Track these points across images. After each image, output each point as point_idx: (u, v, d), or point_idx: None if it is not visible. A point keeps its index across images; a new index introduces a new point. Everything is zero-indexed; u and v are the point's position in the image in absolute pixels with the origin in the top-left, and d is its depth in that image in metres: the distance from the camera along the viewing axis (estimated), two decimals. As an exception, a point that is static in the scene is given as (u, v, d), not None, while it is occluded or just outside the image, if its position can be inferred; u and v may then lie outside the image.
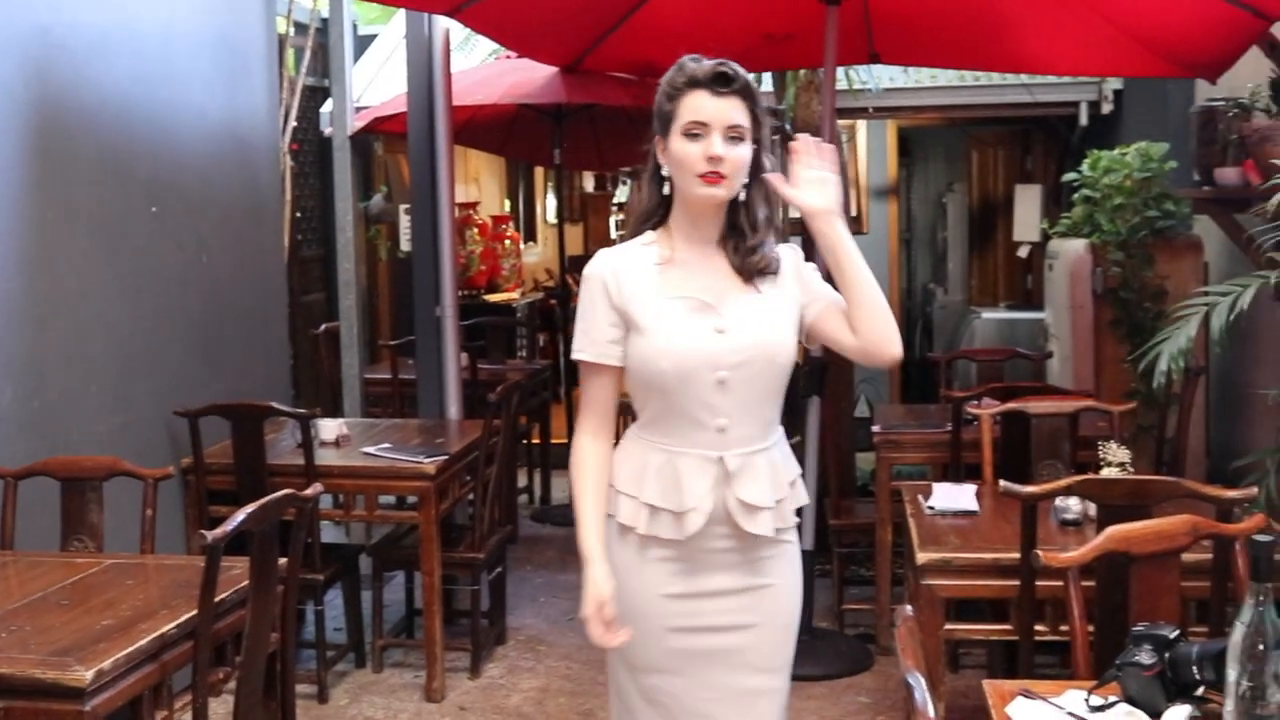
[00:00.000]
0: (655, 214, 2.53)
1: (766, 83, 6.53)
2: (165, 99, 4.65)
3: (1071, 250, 5.86)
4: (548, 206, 12.34)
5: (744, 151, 2.42)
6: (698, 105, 2.41)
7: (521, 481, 7.74)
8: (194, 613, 2.88)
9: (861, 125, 8.51)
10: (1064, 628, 3.16)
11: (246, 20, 5.22)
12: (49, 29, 3.97)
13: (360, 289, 6.90)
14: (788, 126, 6.25)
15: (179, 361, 4.70)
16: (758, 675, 2.56)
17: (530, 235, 11.78)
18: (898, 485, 4.74)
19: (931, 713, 1.70)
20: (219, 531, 2.84)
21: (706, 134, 2.40)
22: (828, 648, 5.12)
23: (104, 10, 4.28)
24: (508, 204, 11.57)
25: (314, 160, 8.09)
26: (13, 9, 3.82)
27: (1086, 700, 2.22)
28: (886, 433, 5.05)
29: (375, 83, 7.89)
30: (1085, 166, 5.84)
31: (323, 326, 7.36)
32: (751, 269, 2.49)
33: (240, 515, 2.92)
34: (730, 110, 2.41)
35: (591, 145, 7.87)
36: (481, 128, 7.60)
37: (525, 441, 7.58)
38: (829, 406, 5.61)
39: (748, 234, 2.48)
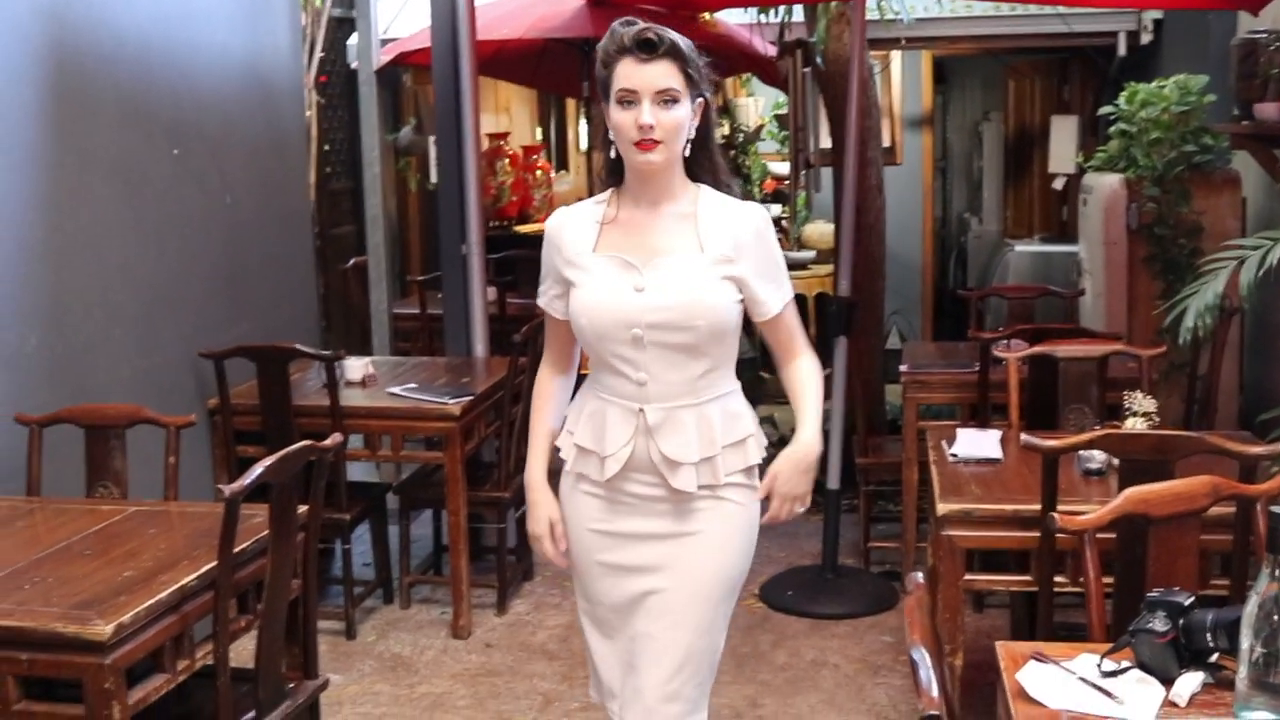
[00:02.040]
0: (611, 179, 2.61)
1: (798, 14, 6.42)
2: (185, 39, 4.61)
3: (1106, 185, 5.76)
4: (580, 134, 12.24)
5: (679, 113, 2.46)
6: (626, 73, 2.45)
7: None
8: (214, 564, 2.90)
9: (896, 55, 8.37)
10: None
11: (267, -45, 5.16)
12: (65, -29, 3.94)
13: (389, 223, 6.89)
14: (818, 59, 6.16)
15: (204, 303, 4.71)
16: (676, 630, 2.61)
17: (562, 164, 11.69)
18: (925, 425, 4.74)
19: (935, 692, 1.69)
20: (237, 485, 2.85)
21: (637, 101, 2.44)
22: (852, 585, 5.14)
23: (121, -50, 4.24)
24: (539, 133, 11.48)
25: (342, 92, 8.04)
26: (27, -49, 3.79)
27: (1099, 665, 2.20)
28: (914, 372, 5.01)
29: (402, 14, 7.80)
30: (1122, 100, 5.73)
31: (351, 261, 7.36)
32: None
33: (259, 468, 2.92)
34: (658, 75, 2.44)
35: (622, 76, 7.78)
36: (510, 59, 7.53)
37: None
38: (857, 343, 5.58)
39: (711, 178, 2.58)
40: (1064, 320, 5.76)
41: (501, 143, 9.34)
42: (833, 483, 5.18)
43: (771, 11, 6.47)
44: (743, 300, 2.58)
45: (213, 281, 4.78)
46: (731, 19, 7.11)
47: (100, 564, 2.97)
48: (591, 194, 7.56)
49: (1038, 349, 4.18)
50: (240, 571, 3.05)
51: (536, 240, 8.48)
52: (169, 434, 3.65)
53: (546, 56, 7.58)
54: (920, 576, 2.12)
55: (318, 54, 6.62)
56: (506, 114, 10.52)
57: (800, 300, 8.32)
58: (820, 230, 8.33)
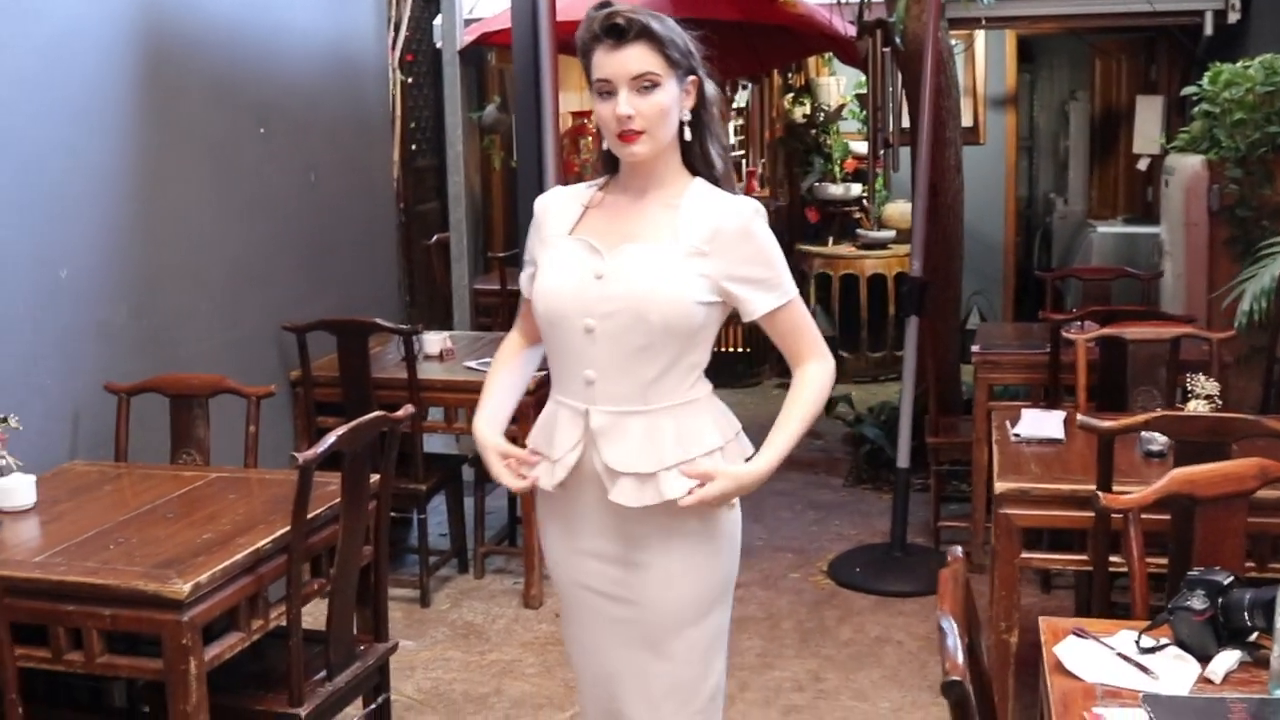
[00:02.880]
0: (607, 167, 2.44)
1: (878, -8, 6.42)
2: (272, 22, 4.75)
3: (1188, 166, 5.70)
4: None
5: (660, 98, 2.27)
6: (600, 62, 2.29)
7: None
8: (288, 528, 3.02)
9: (980, 34, 8.31)
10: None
11: (352, -62, 5.28)
12: (156, -43, 4.09)
13: (472, 200, 7.01)
14: (897, 39, 6.15)
15: (288, 278, 4.86)
16: (650, 654, 2.43)
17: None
18: (995, 405, 4.75)
19: (960, 659, 1.75)
20: (310, 453, 2.97)
21: (614, 90, 2.27)
22: (920, 564, 5.17)
23: (210, -64, 4.38)
24: (624, 111, 11.55)
25: (428, 71, 8.18)
26: (120, -62, 3.93)
27: (1137, 642, 2.24)
28: (985, 353, 5.02)
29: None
30: (1205, 80, 5.66)
31: (434, 237, 7.49)
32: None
33: (332, 437, 3.04)
34: (632, 60, 2.26)
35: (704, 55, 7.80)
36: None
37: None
38: (932, 323, 5.59)
39: (705, 172, 2.38)
40: (1141, 302, 5.73)
41: (585, 121, 9.42)
42: (902, 461, 5.21)
43: (852, -9, 6.47)
44: (720, 301, 2.34)
45: (297, 257, 4.93)
46: (811, -1, 7.10)
47: (181, 527, 3.11)
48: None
49: (1106, 331, 4.18)
50: (314, 537, 3.18)
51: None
52: (249, 404, 3.79)
53: (628, 36, 7.63)
54: (959, 550, 2.18)
55: (403, 33, 6.73)
56: (592, 92, 10.59)
57: (880, 280, 8.36)
58: (900, 210, 8.33)
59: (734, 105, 13.10)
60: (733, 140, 13.02)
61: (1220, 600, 2.21)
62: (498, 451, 2.49)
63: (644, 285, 2.30)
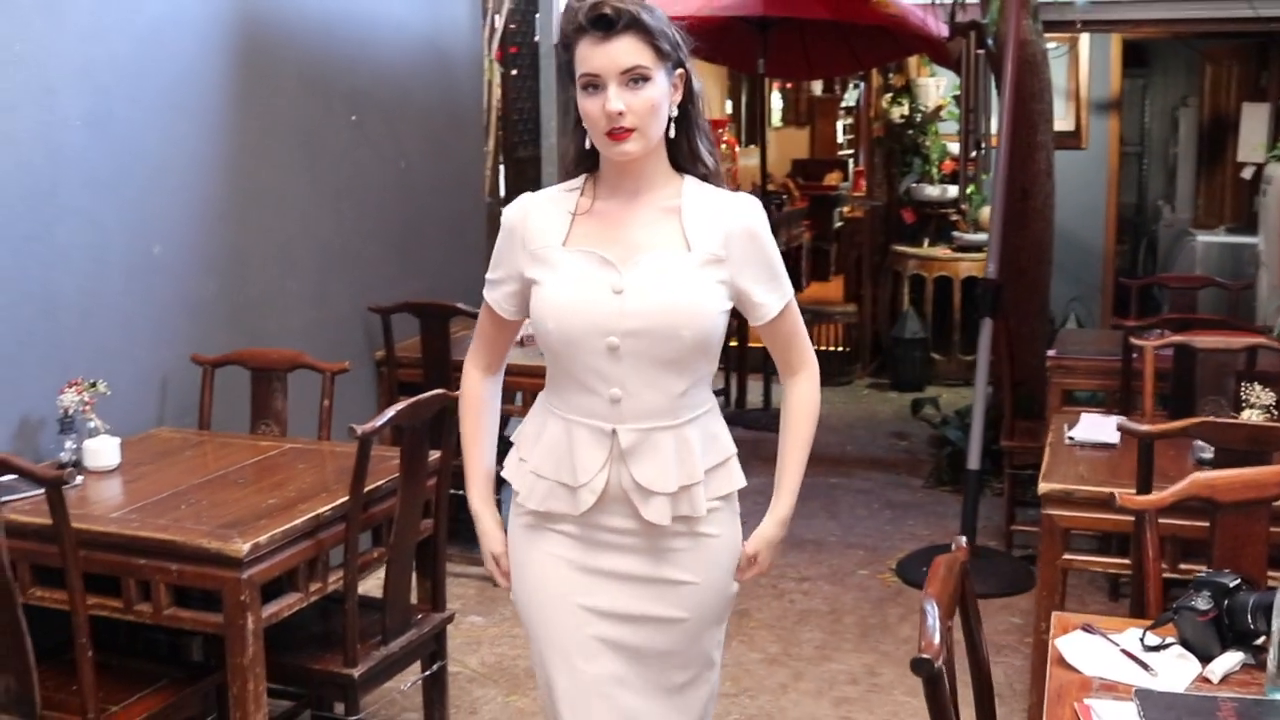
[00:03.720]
0: (580, 167, 2.31)
1: (973, -6, 6.42)
2: (365, 14, 4.92)
3: (1284, 175, 5.65)
4: (772, 110, 12.33)
5: (651, 93, 2.15)
6: (586, 54, 2.16)
7: (719, 384, 7.95)
8: (348, 497, 3.18)
9: (1084, 38, 8.25)
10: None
11: (450, -66, 5.44)
12: (254, -49, 4.28)
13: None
14: (990, 41, 6.15)
15: (376, 261, 5.03)
16: (678, 671, 2.37)
17: (751, 139, 11.81)
18: (1067, 411, 4.75)
19: (937, 639, 1.82)
20: (369, 425, 3.11)
21: (602, 85, 2.14)
22: (989, 566, 5.18)
23: (308, -69, 4.57)
24: (729, 107, 11.62)
25: (531, 63, 8.33)
26: (219, -68, 4.13)
27: (1142, 639, 2.28)
28: (1059, 358, 5.03)
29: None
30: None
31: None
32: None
33: (390, 412, 3.19)
34: (621, 53, 2.14)
35: (799, 53, 7.85)
36: (693, 35, 7.67)
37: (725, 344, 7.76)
38: (1011, 326, 5.59)
39: (695, 170, 2.29)
40: (1232, 312, 5.67)
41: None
42: (973, 463, 5.23)
43: (946, -8, 6.48)
44: (733, 307, 2.29)
45: (385, 241, 5.10)
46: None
47: (250, 491, 3.28)
48: (764, 168, 7.68)
49: (1174, 339, 4.18)
50: (374, 507, 3.33)
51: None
52: (325, 379, 3.96)
53: (729, 34, 7.71)
54: (964, 540, 2.24)
55: (499, 26, 6.87)
56: (696, 88, 10.68)
57: (974, 283, 8.33)
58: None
59: (843, 104, 13.16)
60: (841, 139, 13.10)
61: (1225, 602, 2.24)
62: (495, 556, 2.45)
63: (671, 299, 2.20)
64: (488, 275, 2.40)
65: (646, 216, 2.26)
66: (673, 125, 2.23)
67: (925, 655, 1.77)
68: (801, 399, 2.41)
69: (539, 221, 2.29)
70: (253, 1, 4.30)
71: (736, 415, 7.74)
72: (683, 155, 2.27)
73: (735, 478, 2.37)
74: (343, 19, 4.78)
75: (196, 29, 4.06)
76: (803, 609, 4.88)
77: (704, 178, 2.29)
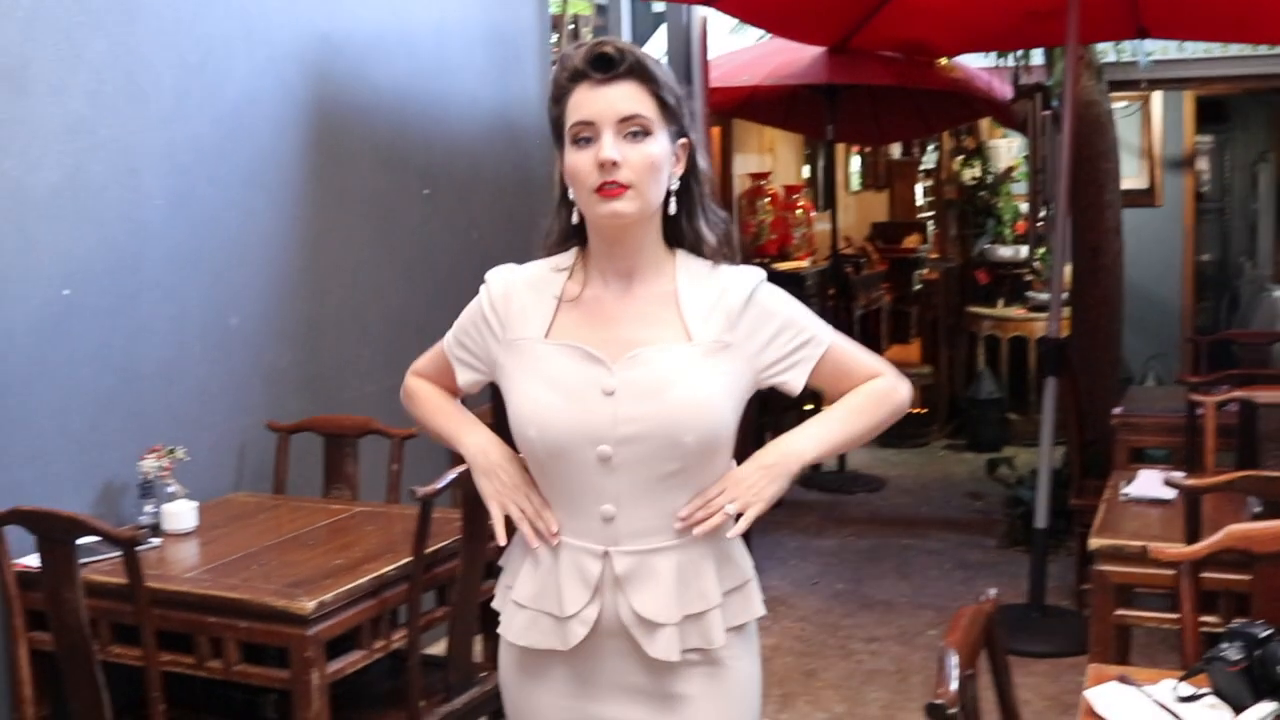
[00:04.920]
0: (565, 244, 2.03)
1: (1037, 57, 6.49)
2: (438, 91, 5.11)
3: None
4: (850, 174, 12.40)
5: (652, 149, 1.89)
6: (580, 101, 1.90)
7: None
8: (411, 558, 3.29)
9: (1156, 96, 8.26)
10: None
11: (519, 12, 5.62)
12: (327, 35, 4.48)
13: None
14: (1055, 103, 6.21)
15: (446, 330, 5.16)
16: None
17: (829, 203, 11.91)
18: (1131, 469, 4.75)
19: (954, 686, 1.87)
20: (429, 488, 3.23)
21: (596, 135, 1.89)
22: (1058, 625, 5.16)
23: (379, 14, 4.76)
24: (806, 172, 11.72)
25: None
26: (293, 18, 4.33)
27: (1175, 690, 2.31)
28: (1125, 415, 5.03)
29: (664, 60, 8.22)
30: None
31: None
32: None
33: (451, 474, 3.31)
34: (620, 98, 1.89)
35: (870, 119, 7.98)
36: (763, 103, 7.84)
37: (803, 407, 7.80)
38: (1082, 384, 5.60)
39: (697, 250, 2.00)
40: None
41: (763, 182, 9.64)
42: (1040, 522, 5.22)
43: (1010, 55, 6.56)
44: (745, 391, 2.00)
45: (455, 310, 5.13)
46: (969, 63, 7.21)
47: (319, 552, 3.41)
48: (834, 232, 7.73)
49: (1233, 394, 4.18)
50: (437, 567, 3.44)
51: (794, 277, 8.69)
52: (394, 444, 4.09)
53: (798, 101, 7.85)
54: (993, 592, 2.29)
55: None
56: (771, 154, 10.81)
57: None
58: (1070, 272, 8.28)
59: (921, 167, 13.22)
60: (920, 201, 13.14)
61: (1257, 652, 2.26)
62: (526, 490, 2.03)
63: (670, 399, 1.91)
64: (453, 335, 2.19)
65: (640, 305, 1.98)
66: (673, 200, 1.96)
67: (940, 701, 1.83)
68: (870, 383, 2.07)
69: (519, 305, 2.02)
70: (328, 82, 4.50)
71: (809, 476, 7.77)
72: (681, 234, 2.00)
73: (753, 605, 2.06)
74: (416, 96, 4.97)
75: (274, 110, 4.26)
76: (870, 669, 4.90)
77: (701, 254, 2.01)
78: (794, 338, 2.01)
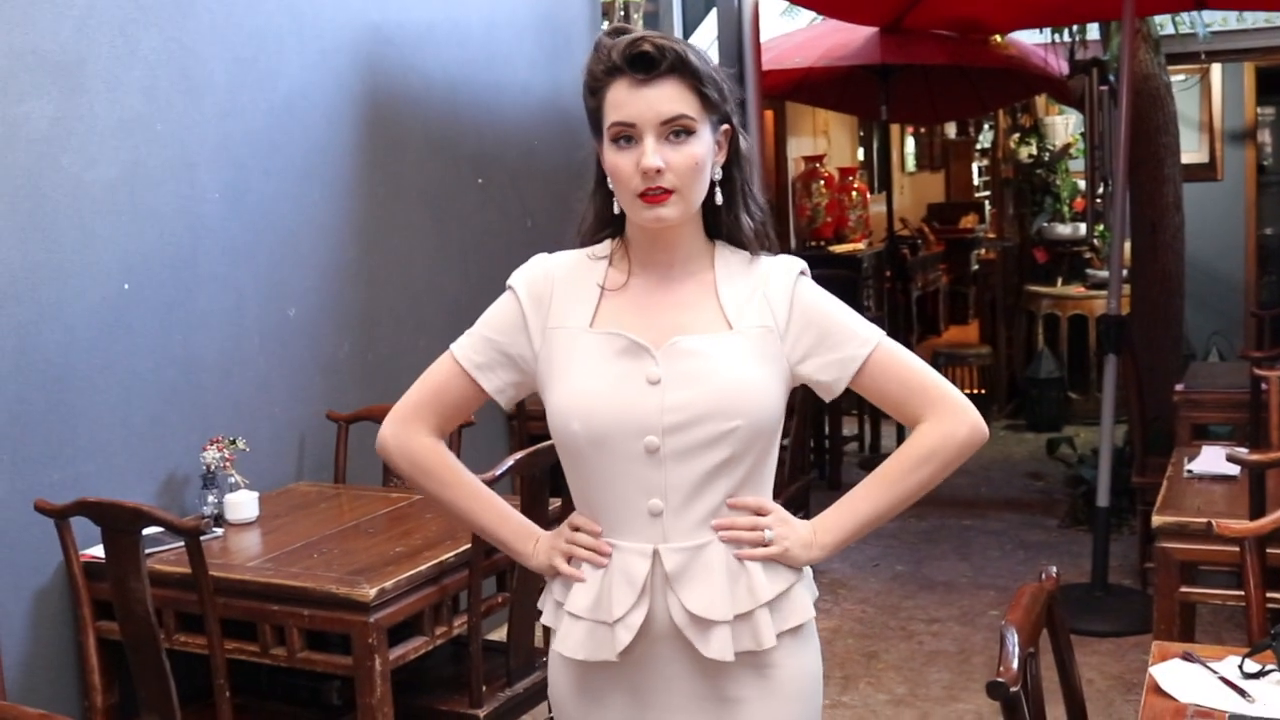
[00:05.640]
0: (604, 231, 1.98)
1: (1093, 32, 6.41)
2: (489, 80, 5.12)
3: None
4: (905, 155, 12.32)
5: (696, 148, 1.83)
6: (620, 100, 1.83)
7: (851, 429, 7.97)
8: (470, 545, 3.31)
9: (1216, 68, 8.13)
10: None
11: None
12: (378, 26, 4.50)
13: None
14: (1112, 78, 6.13)
15: (455, 345, 5.19)
16: None
17: (884, 185, 11.84)
18: (1195, 445, 4.70)
19: (1015, 664, 1.86)
20: (488, 475, 3.22)
21: (638, 137, 1.82)
22: (1121, 604, 5.12)
23: (429, 4, 4.78)
24: (861, 154, 11.65)
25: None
26: (344, 10, 4.35)
27: (1240, 667, 2.28)
28: (1187, 391, 4.97)
29: (710, 50, 8.20)
30: None
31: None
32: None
33: (509, 460, 3.32)
34: (663, 100, 1.82)
35: (925, 98, 7.91)
36: (817, 84, 7.80)
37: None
38: (1143, 361, 5.54)
39: (738, 240, 1.95)
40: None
41: (817, 165, 9.60)
42: (1101, 500, 5.17)
43: (1065, 30, 6.48)
44: (788, 381, 1.93)
45: (512, 298, 5.26)
46: (1024, 39, 7.14)
47: (379, 540, 3.44)
48: (890, 213, 7.70)
49: (1296, 369, 4.12)
50: (496, 554, 3.44)
51: (850, 260, 8.65)
52: (453, 432, 4.11)
53: (851, 82, 7.81)
54: (1054, 569, 2.27)
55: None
56: (825, 137, 10.76)
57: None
58: (1129, 248, 8.19)
59: (977, 146, 13.11)
60: (976, 181, 13.04)
61: (1324, 627, 2.23)
62: (569, 535, 1.95)
63: (717, 387, 1.85)
64: (474, 339, 2.03)
65: (682, 293, 1.92)
66: (717, 191, 1.90)
67: (1001, 679, 1.82)
68: (917, 439, 1.96)
69: (563, 293, 1.95)
70: (379, 74, 4.52)
71: (869, 461, 7.74)
72: (722, 224, 1.94)
73: (804, 606, 1.95)
74: (467, 86, 4.98)
75: (327, 103, 4.29)
76: (931, 650, 4.87)
77: (742, 244, 1.95)
78: (833, 336, 1.92)
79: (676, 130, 1.83)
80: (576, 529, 1.94)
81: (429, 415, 2.06)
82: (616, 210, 1.91)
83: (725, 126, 1.90)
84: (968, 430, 1.94)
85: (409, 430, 2.06)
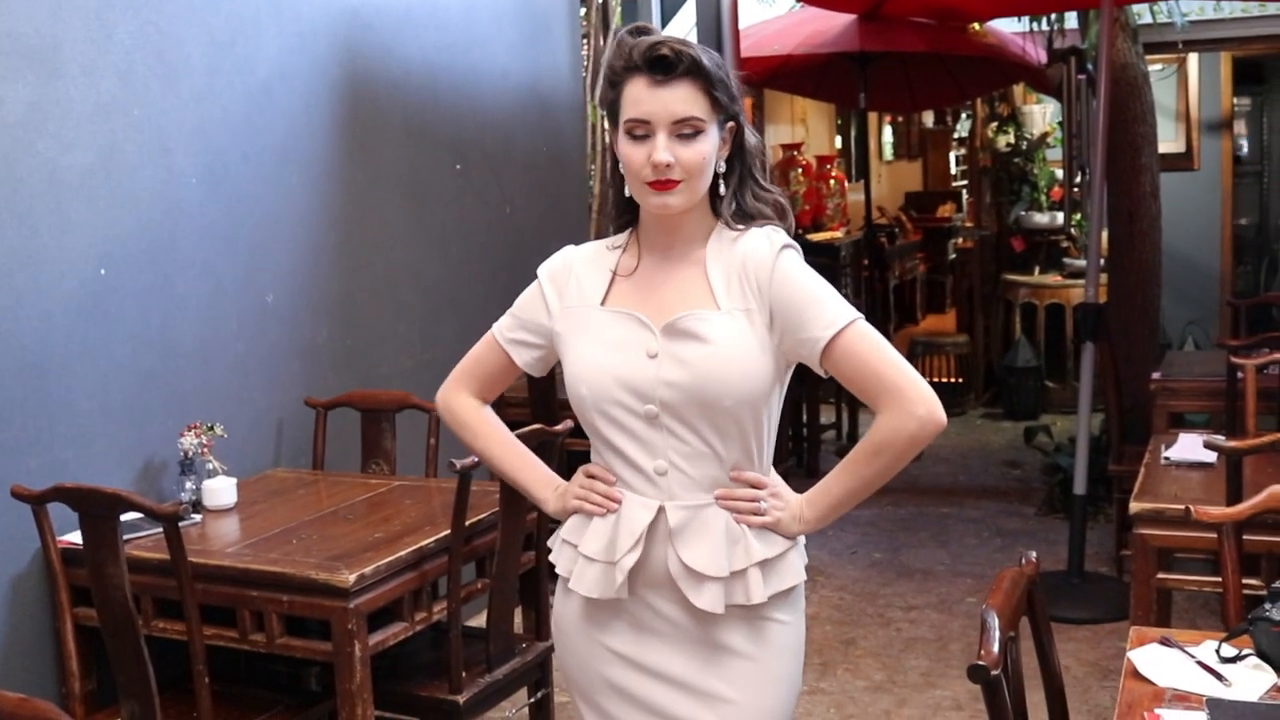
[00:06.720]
0: (624, 217, 2.18)
1: (1071, 21, 6.43)
2: (467, 65, 5.10)
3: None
4: (883, 143, 12.34)
5: (702, 147, 2.01)
6: (636, 98, 2.01)
7: (829, 417, 7.98)
8: (449, 531, 3.31)
9: (1192, 58, 8.16)
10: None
11: (548, -15, 5.62)
12: (357, 10, 4.48)
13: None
14: (1090, 67, 6.15)
15: (482, 304, 5.17)
16: None
17: (862, 173, 11.86)
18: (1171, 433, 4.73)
19: (996, 648, 1.87)
20: (468, 460, 3.23)
21: (651, 133, 2.00)
22: (1097, 591, 5.15)
23: (407, -11, 4.76)
24: (838, 142, 11.66)
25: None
26: (323, -4, 4.34)
27: (1217, 651, 2.30)
28: (1163, 380, 5.00)
29: (692, 34, 8.18)
30: None
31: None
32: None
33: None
34: (676, 101, 1.99)
35: (902, 87, 7.92)
36: (794, 72, 7.80)
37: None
38: (1120, 350, 5.56)
39: (737, 220, 2.11)
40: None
41: (795, 153, 9.60)
42: (1079, 488, 5.20)
43: (1043, 19, 6.49)
44: (780, 364, 2.08)
45: (492, 283, 5.25)
46: (1002, 27, 7.15)
47: (358, 526, 3.43)
48: (868, 202, 7.73)
49: (1275, 357, 4.14)
50: (476, 540, 3.46)
51: (827, 248, 8.66)
52: (431, 418, 4.11)
53: (830, 70, 7.81)
54: (1034, 555, 2.28)
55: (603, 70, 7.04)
56: (803, 125, 10.77)
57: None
58: (1106, 238, 8.23)
59: (955, 135, 13.13)
60: (954, 170, 13.07)
61: (1301, 613, 2.25)
62: (587, 484, 2.17)
63: (705, 367, 2.02)
64: (508, 319, 2.27)
65: (679, 273, 2.11)
66: (721, 181, 2.09)
67: (982, 662, 1.82)
68: (881, 424, 2.07)
69: (581, 277, 2.16)
70: (357, 57, 4.50)
71: (846, 449, 7.74)
72: (728, 209, 2.10)
73: (795, 570, 2.14)
74: (446, 71, 4.96)
75: (304, 86, 4.26)
76: (909, 637, 4.89)
77: (742, 224, 2.11)
78: (803, 316, 2.04)
79: (686, 130, 2.01)
80: (591, 476, 2.16)
81: (470, 381, 2.36)
82: (627, 193, 2.10)
83: (730, 124, 2.08)
84: (916, 424, 2.04)
85: (453, 391, 2.38)
